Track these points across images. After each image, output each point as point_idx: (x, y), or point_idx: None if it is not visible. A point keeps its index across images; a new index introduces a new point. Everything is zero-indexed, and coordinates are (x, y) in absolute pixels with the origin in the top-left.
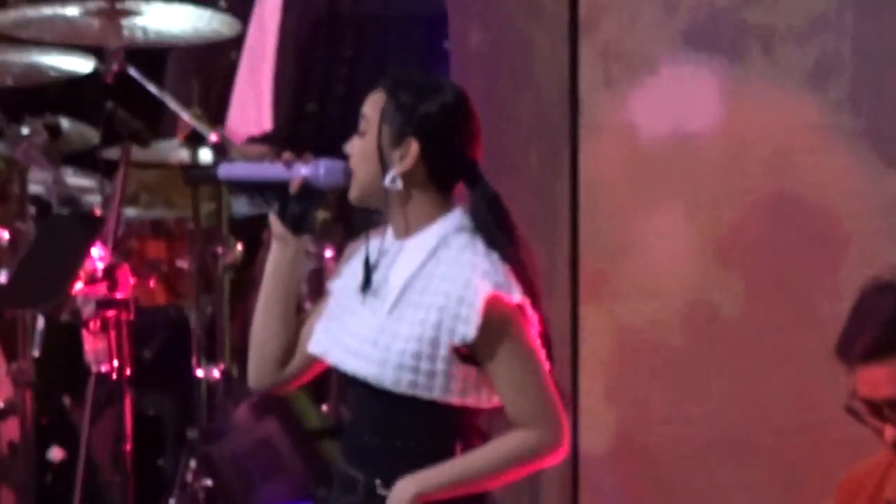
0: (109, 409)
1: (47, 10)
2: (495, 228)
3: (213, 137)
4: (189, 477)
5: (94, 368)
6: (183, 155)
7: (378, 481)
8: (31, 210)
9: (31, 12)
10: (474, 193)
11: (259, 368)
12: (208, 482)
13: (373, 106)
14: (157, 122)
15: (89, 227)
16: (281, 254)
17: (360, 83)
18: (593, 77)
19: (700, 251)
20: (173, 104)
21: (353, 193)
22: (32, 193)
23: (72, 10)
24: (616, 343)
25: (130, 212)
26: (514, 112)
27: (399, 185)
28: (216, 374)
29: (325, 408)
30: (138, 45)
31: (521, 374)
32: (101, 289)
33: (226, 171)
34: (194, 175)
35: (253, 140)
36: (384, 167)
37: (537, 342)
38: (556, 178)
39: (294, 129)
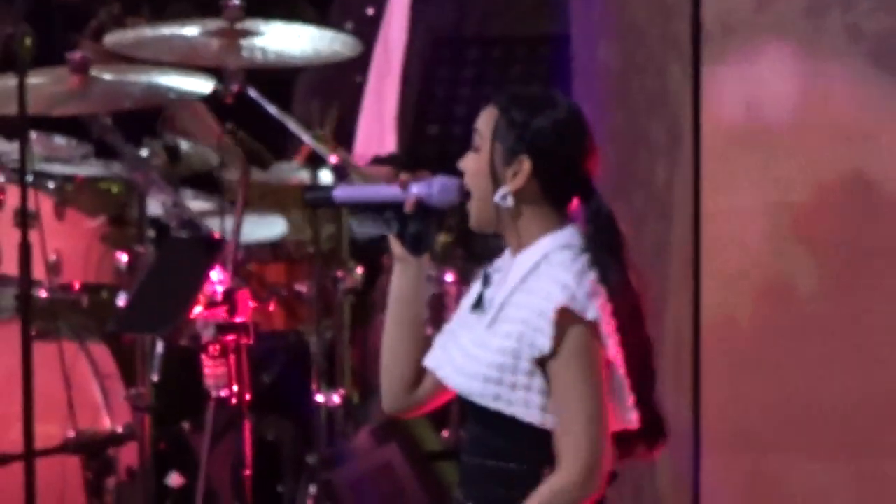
0: (229, 435)
1: (166, 31)
2: (602, 248)
3: (333, 159)
4: (308, 503)
5: (213, 393)
6: (302, 176)
7: (471, 503)
8: (150, 233)
9: (150, 33)
10: (588, 210)
11: (391, 392)
12: None
13: (486, 122)
14: (278, 144)
15: (209, 251)
16: (403, 275)
17: (481, 104)
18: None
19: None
20: (293, 125)
21: (473, 217)
22: (151, 216)
23: (191, 31)
24: None
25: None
26: (643, 130)
27: (510, 202)
28: (336, 399)
29: (445, 433)
30: (258, 66)
31: (573, 396)
32: (221, 313)
33: (342, 192)
34: (313, 198)
35: (378, 161)
36: (496, 184)
37: (599, 368)
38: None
39: (417, 150)
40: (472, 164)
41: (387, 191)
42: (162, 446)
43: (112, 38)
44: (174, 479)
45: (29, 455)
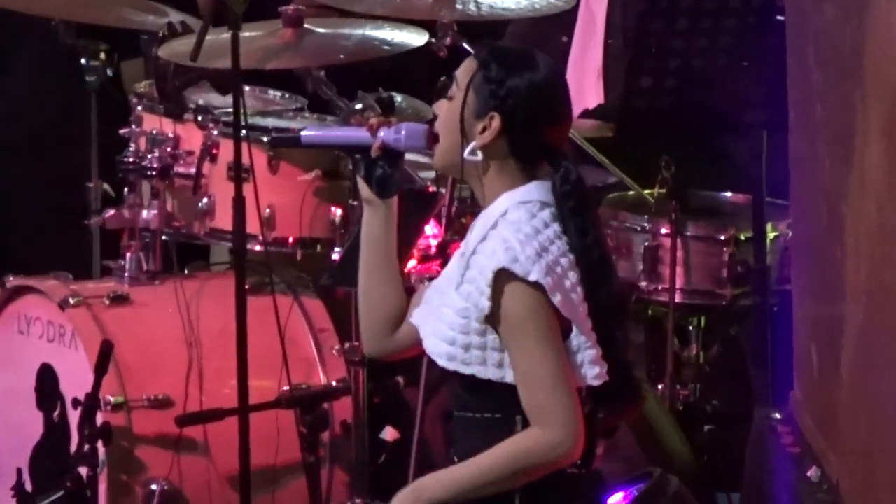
0: (442, 389)
1: None
2: (570, 209)
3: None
4: None
5: None
6: None
7: (454, 454)
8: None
9: None
10: (556, 173)
11: (370, 335)
12: None
13: (464, 72)
14: None
15: (423, 204)
16: (372, 218)
17: (694, 57)
18: None
19: None
20: None
21: (436, 161)
22: None
23: None
24: None
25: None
26: (851, 95)
27: (478, 157)
28: None
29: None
30: (471, 20)
31: (528, 362)
32: (435, 266)
33: (310, 134)
34: (279, 140)
35: (587, 114)
36: (464, 136)
37: (550, 328)
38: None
39: (628, 103)
40: (444, 112)
41: (354, 134)
42: (376, 400)
43: None
44: (389, 434)
45: (244, 410)
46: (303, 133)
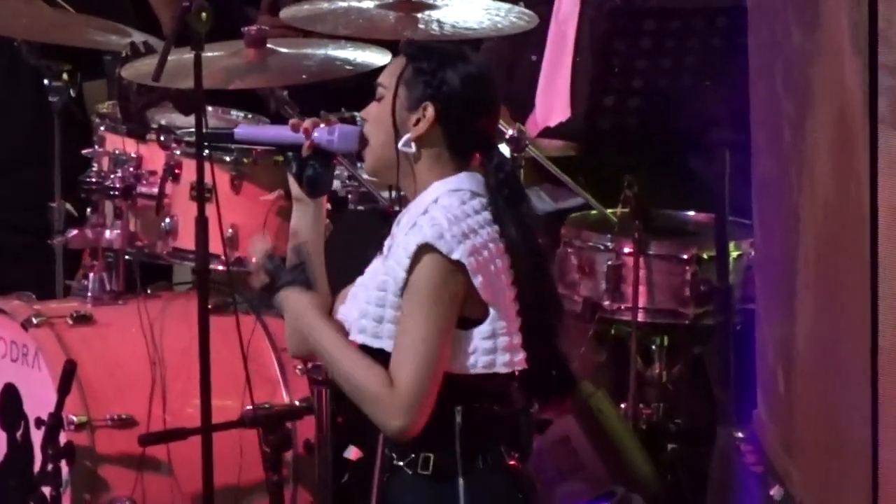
0: None
1: (342, 4)
2: (503, 199)
3: (510, 132)
4: None
5: None
6: None
7: (392, 454)
8: (327, 207)
9: (326, 6)
10: (489, 163)
11: (295, 336)
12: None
13: (391, 72)
14: None
15: (386, 224)
16: (300, 216)
17: (658, 77)
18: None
19: None
20: None
21: (368, 163)
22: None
23: (367, 4)
24: None
25: None
26: (813, 115)
27: (412, 148)
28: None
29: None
30: (434, 39)
31: (407, 328)
32: None
33: (243, 131)
34: (214, 135)
35: (551, 133)
36: (397, 132)
37: (447, 306)
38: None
39: (592, 122)
40: (374, 111)
41: (287, 133)
42: (340, 420)
43: (288, 12)
44: (352, 453)
45: (207, 429)
46: (236, 130)
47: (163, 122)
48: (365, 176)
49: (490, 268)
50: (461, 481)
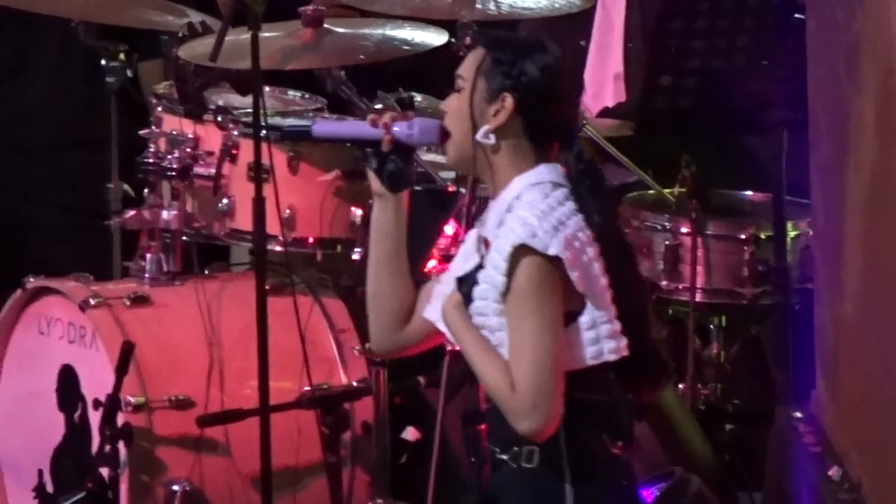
0: (464, 389)
1: None
2: (586, 189)
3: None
4: None
5: (448, 347)
6: None
7: (495, 447)
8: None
9: None
10: (570, 154)
11: (378, 332)
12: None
13: (469, 63)
14: None
15: (443, 204)
16: (382, 211)
17: (713, 57)
18: None
19: None
20: None
21: (449, 156)
22: None
23: None
24: None
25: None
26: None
27: (492, 139)
28: None
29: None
30: (491, 19)
31: (519, 333)
32: None
33: (321, 127)
34: (290, 132)
35: (606, 113)
36: (475, 124)
37: (553, 304)
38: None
39: (648, 102)
40: (454, 104)
41: (366, 128)
42: (397, 401)
43: None
44: (410, 434)
45: (264, 410)
46: (314, 126)
47: (220, 102)
48: (424, 157)
49: (583, 258)
50: (567, 473)
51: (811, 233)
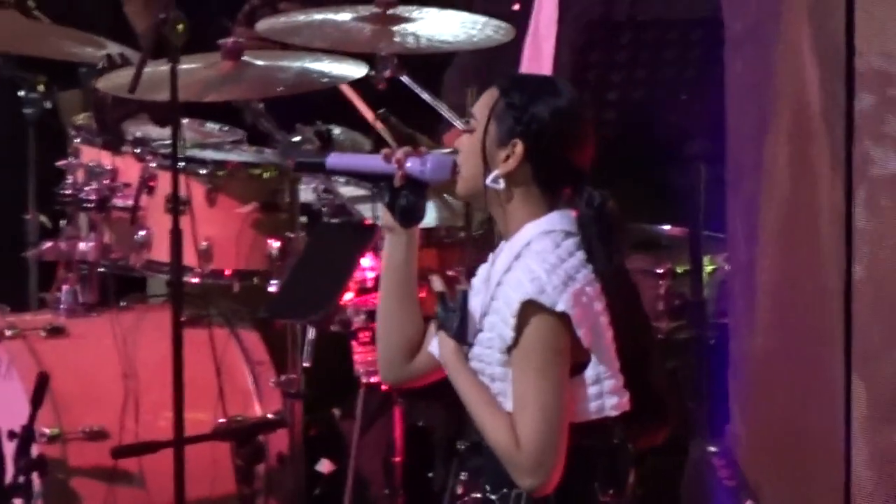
0: (379, 421)
1: (318, 17)
2: (595, 235)
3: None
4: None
5: (363, 380)
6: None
7: (487, 486)
8: (302, 219)
9: (302, 18)
10: (581, 199)
11: (386, 363)
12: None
13: (484, 103)
14: (430, 131)
15: (361, 237)
16: (394, 246)
17: (633, 89)
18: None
19: None
20: (446, 111)
21: (458, 190)
22: (303, 202)
23: (343, 16)
24: None
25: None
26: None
27: (501, 185)
28: None
29: None
30: (410, 52)
31: (523, 388)
32: (372, 299)
33: (335, 160)
34: (306, 163)
35: None
36: (486, 166)
37: (560, 361)
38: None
39: None
40: (466, 143)
41: (379, 163)
42: (312, 432)
43: (264, 24)
44: (324, 466)
45: (179, 442)
46: (328, 159)
47: (138, 134)
48: (340, 190)
49: (590, 313)
50: None
51: (727, 267)
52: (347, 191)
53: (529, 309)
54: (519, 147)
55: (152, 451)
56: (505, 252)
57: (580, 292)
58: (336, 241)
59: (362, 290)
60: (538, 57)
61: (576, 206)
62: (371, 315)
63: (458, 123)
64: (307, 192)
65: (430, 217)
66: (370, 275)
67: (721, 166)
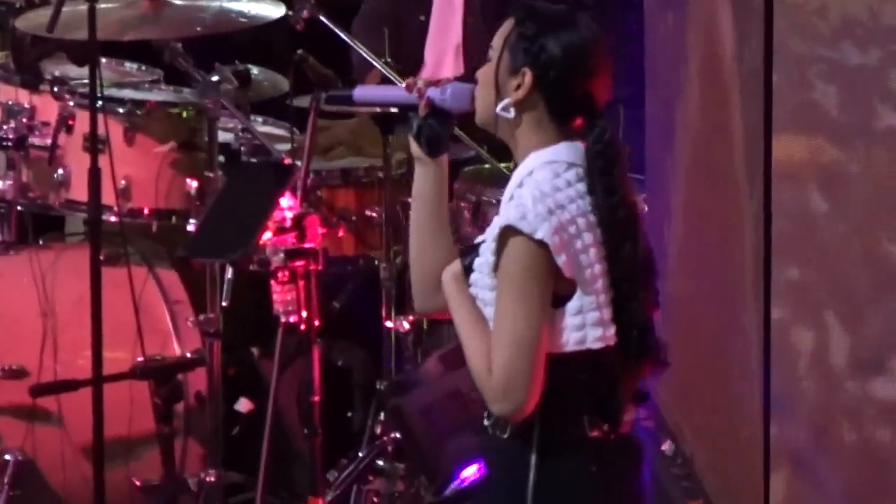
0: (298, 361)
1: None
2: (598, 169)
3: (403, 86)
4: (378, 429)
5: (282, 319)
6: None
7: (484, 412)
8: (220, 159)
9: None
10: (590, 131)
11: (419, 293)
12: (397, 435)
13: (501, 33)
14: (347, 72)
15: (279, 177)
16: (422, 176)
17: None
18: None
19: None
20: (364, 52)
21: (477, 118)
22: (221, 142)
23: None
24: None
25: (322, 164)
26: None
27: (511, 113)
28: (405, 325)
29: None
30: None
31: (500, 314)
32: (290, 239)
33: (361, 92)
34: (334, 96)
35: None
36: (498, 94)
37: (539, 288)
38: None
39: None
40: (484, 73)
41: (403, 93)
42: (231, 372)
43: None
44: (243, 405)
45: (98, 380)
46: (355, 91)
47: (56, 73)
48: (259, 129)
49: (576, 244)
50: (535, 448)
51: (646, 208)
52: (265, 130)
53: (509, 234)
54: (528, 76)
55: (71, 389)
56: (511, 181)
57: (567, 222)
58: (254, 181)
59: (280, 230)
60: (449, 2)
61: (583, 139)
62: (289, 254)
63: (378, 64)
64: (225, 132)
65: (346, 161)
66: (289, 214)
67: (640, 109)
